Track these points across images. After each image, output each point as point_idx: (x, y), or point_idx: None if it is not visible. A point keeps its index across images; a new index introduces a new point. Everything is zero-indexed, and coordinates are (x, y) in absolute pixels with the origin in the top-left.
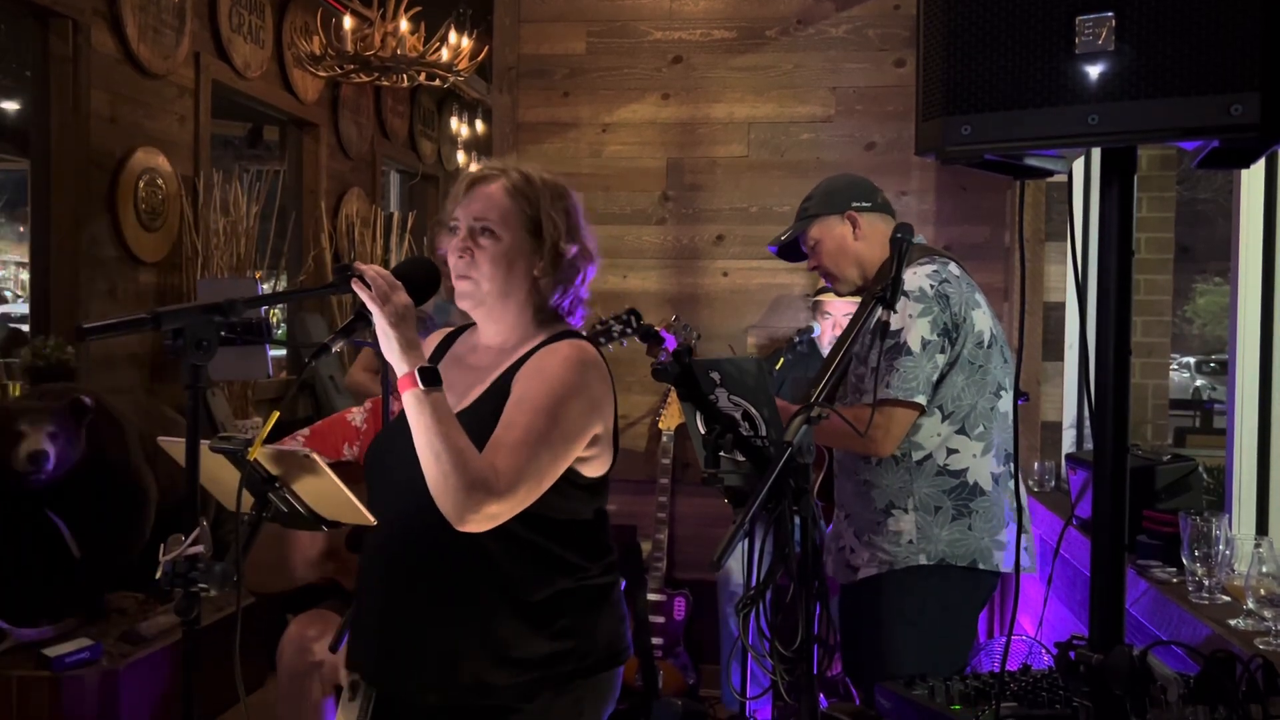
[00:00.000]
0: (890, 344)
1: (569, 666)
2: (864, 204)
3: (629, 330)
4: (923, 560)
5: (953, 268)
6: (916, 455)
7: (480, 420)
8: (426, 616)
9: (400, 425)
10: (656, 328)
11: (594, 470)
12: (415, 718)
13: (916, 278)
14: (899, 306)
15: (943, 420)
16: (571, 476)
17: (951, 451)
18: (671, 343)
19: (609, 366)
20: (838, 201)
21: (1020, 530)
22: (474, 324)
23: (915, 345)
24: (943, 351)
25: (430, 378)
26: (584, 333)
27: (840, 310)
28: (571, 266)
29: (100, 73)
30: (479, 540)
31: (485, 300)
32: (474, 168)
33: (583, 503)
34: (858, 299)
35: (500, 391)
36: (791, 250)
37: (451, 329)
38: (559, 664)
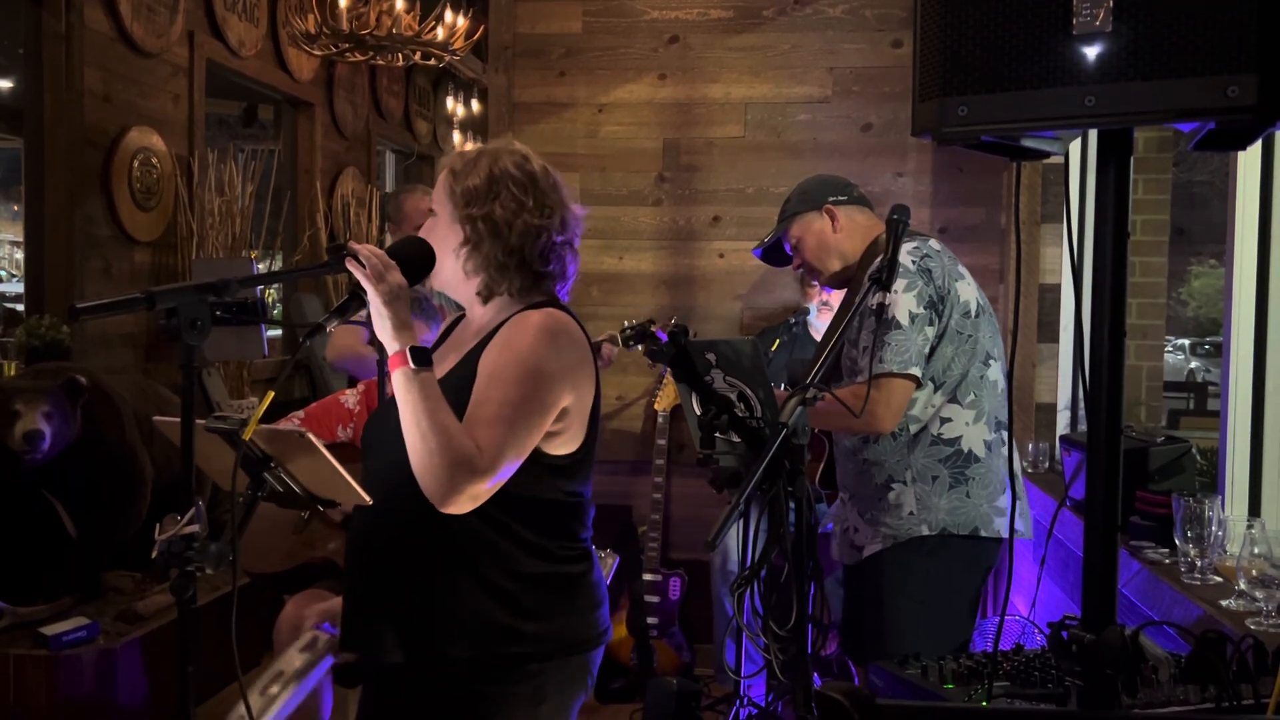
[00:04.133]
0: (879, 320)
1: (526, 648)
2: (840, 198)
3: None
4: (924, 531)
5: (932, 243)
6: (913, 428)
7: (449, 391)
8: (392, 587)
9: (391, 406)
10: (654, 328)
11: (558, 448)
12: (381, 679)
13: (899, 255)
14: None
15: (935, 391)
16: (535, 455)
17: (945, 421)
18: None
19: (591, 343)
20: (815, 198)
21: (1015, 497)
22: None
23: (904, 319)
24: (931, 324)
25: (421, 357)
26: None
27: None
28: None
29: (94, 51)
30: (448, 516)
31: (445, 282)
32: (469, 147)
33: (546, 483)
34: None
35: (471, 362)
36: (775, 255)
37: (459, 315)
38: (516, 643)
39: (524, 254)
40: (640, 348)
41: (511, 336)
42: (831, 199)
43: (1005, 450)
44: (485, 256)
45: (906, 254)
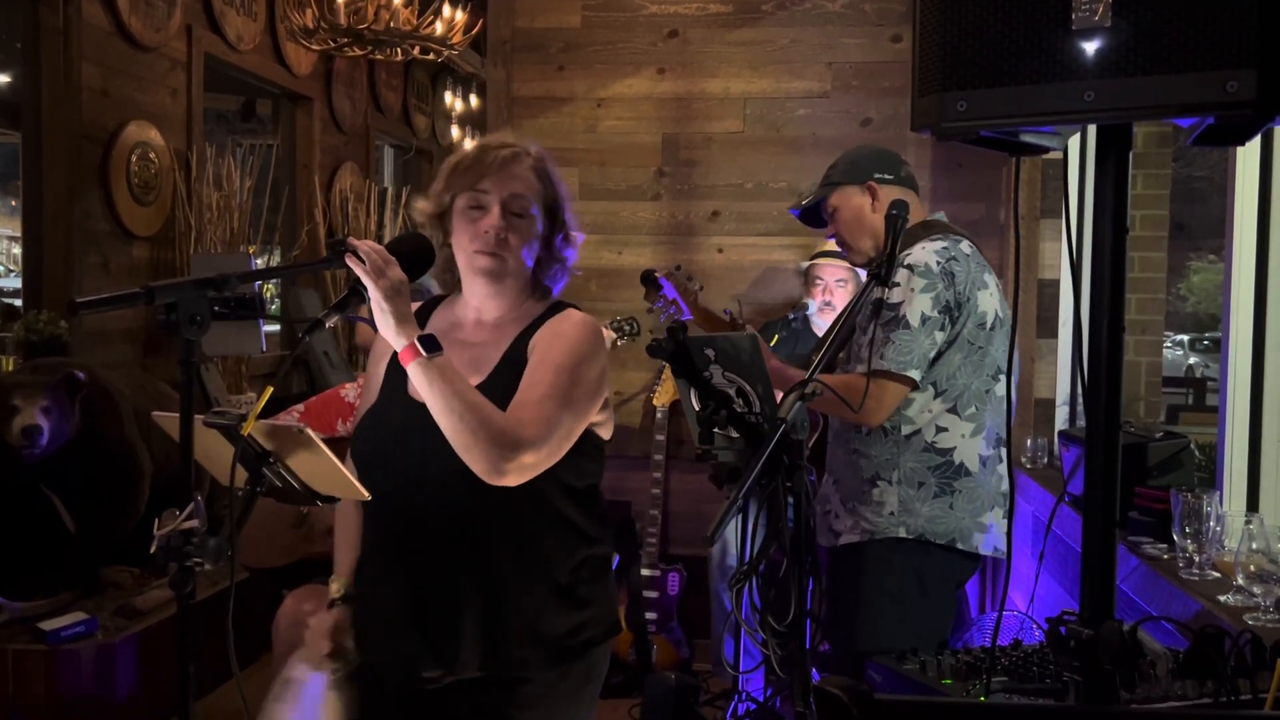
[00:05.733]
0: (889, 316)
1: (586, 635)
2: (886, 176)
3: (628, 334)
4: (902, 533)
5: (964, 246)
6: (905, 429)
7: (502, 392)
8: (464, 603)
9: (387, 412)
10: (657, 274)
11: (606, 432)
12: (428, 691)
13: (925, 253)
14: (903, 279)
15: (935, 397)
16: (592, 439)
17: (940, 429)
18: (670, 290)
19: None
20: (860, 172)
21: (1008, 515)
22: (443, 297)
23: (914, 320)
24: (942, 329)
25: (431, 344)
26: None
27: (831, 276)
28: (566, 244)
29: (92, 45)
30: (516, 519)
31: (506, 278)
32: (494, 139)
33: (596, 465)
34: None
35: (516, 360)
36: (813, 216)
37: (421, 303)
38: (579, 633)
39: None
40: (628, 335)
41: (561, 331)
42: (877, 176)
43: (1002, 467)
44: (565, 262)
45: (934, 253)
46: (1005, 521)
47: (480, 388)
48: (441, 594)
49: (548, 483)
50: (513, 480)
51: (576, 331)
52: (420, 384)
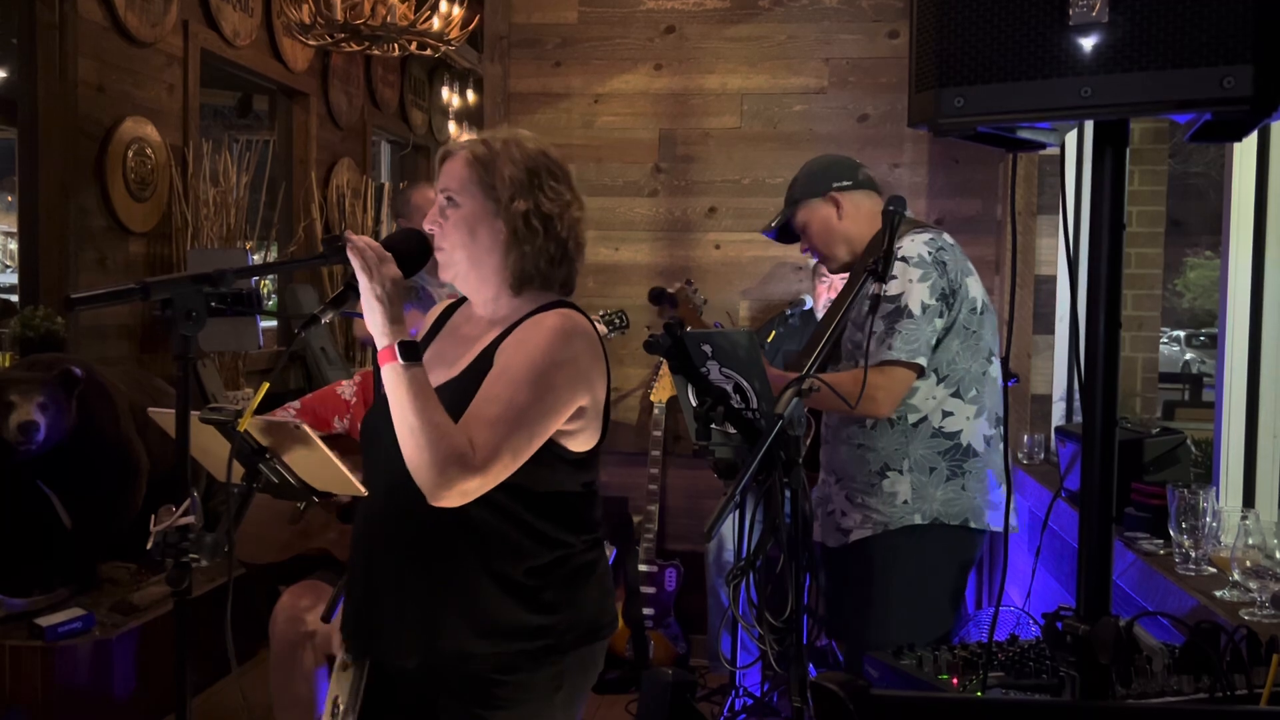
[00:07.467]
0: (891, 308)
1: (550, 640)
2: (844, 183)
3: (618, 327)
4: (917, 520)
5: (946, 236)
6: (913, 418)
7: (464, 392)
8: (408, 585)
9: (382, 405)
10: (670, 290)
11: (579, 444)
12: (400, 684)
13: (915, 245)
14: (899, 272)
15: (938, 384)
16: (557, 450)
17: (946, 414)
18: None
19: (602, 340)
20: (819, 184)
21: (1010, 491)
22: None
23: (916, 309)
24: (941, 316)
25: (409, 352)
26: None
27: (838, 273)
28: (528, 225)
29: (88, 41)
30: (462, 511)
31: (460, 269)
32: (463, 139)
33: (567, 476)
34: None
35: (485, 363)
36: (787, 233)
37: (453, 300)
38: (540, 637)
39: (567, 247)
40: (617, 329)
41: (528, 337)
42: (836, 185)
43: (1002, 445)
44: (537, 251)
45: (923, 244)
46: (1004, 498)
47: (447, 384)
48: (387, 577)
49: (502, 490)
50: (450, 503)
51: (542, 338)
52: (388, 387)
